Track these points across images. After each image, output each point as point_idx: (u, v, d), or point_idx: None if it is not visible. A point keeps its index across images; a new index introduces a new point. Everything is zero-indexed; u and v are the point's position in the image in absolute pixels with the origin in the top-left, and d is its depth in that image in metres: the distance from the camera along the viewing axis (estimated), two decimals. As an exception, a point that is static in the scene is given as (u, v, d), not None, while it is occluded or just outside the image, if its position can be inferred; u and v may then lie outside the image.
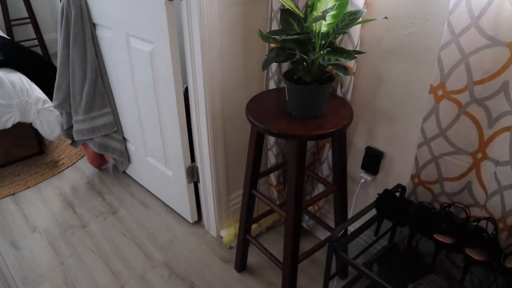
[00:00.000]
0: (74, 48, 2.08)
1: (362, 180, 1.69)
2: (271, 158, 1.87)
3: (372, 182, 1.70)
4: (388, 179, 1.64)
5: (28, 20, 4.05)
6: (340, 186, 1.57)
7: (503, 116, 1.22)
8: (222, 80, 1.66)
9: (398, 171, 1.59)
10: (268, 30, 1.65)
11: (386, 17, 1.27)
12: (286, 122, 1.32)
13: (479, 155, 1.30)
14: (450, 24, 1.17)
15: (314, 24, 1.18)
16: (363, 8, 1.35)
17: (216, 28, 1.54)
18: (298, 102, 1.32)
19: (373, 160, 1.64)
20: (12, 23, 3.97)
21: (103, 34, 2.04)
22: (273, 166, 1.80)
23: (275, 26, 1.58)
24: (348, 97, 1.52)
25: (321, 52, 1.17)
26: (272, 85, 1.71)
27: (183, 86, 1.78)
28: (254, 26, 1.65)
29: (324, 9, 1.17)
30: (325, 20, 1.10)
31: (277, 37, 1.25)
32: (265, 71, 1.76)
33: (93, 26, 2.08)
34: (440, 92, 1.27)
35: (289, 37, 1.17)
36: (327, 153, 1.70)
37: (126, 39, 1.86)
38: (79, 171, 2.63)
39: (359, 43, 1.43)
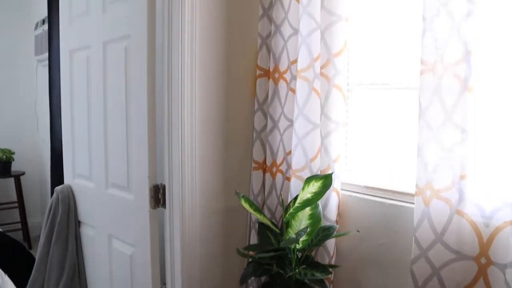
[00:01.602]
0: (56, 244, 2.08)
1: None
2: None
3: None
4: None
5: (16, 205, 4.12)
6: None
7: None
8: (201, 285, 1.64)
9: None
10: (247, 238, 1.71)
11: (358, 231, 1.35)
12: None
13: None
14: (417, 240, 1.23)
15: (289, 241, 1.24)
16: (336, 221, 1.44)
17: (197, 234, 1.59)
18: (277, 318, 1.29)
19: None
20: (0, 207, 4.03)
21: (86, 232, 2.08)
22: None
23: (254, 235, 1.64)
24: (328, 305, 1.50)
25: (297, 269, 1.20)
26: (251, 292, 1.69)
27: (161, 287, 1.74)
28: (234, 233, 1.71)
29: (298, 226, 1.25)
30: (298, 244, 1.16)
31: (254, 253, 1.29)
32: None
33: (78, 223, 2.12)
34: (418, 308, 1.26)
35: (266, 254, 1.21)
36: None
37: (108, 240, 1.89)
38: None
39: (334, 253, 1.48)
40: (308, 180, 1.23)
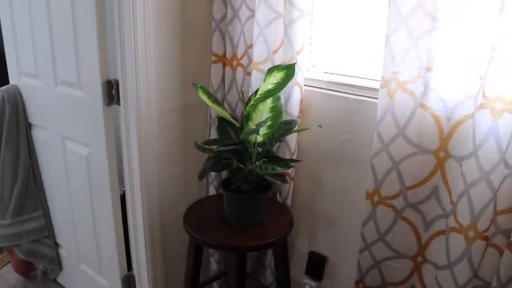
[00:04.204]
0: (6, 148, 1.98)
1: (307, 287, 1.63)
2: (213, 264, 1.78)
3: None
4: (334, 284, 1.59)
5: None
6: (284, 295, 1.50)
7: (437, 219, 1.25)
8: (160, 185, 1.61)
9: (343, 276, 1.56)
10: (207, 136, 1.66)
11: (320, 126, 1.32)
12: (225, 232, 1.28)
13: (419, 259, 1.30)
14: (379, 134, 1.22)
15: (249, 135, 1.19)
16: (298, 117, 1.40)
17: (155, 133, 1.52)
18: (237, 211, 1.29)
19: (317, 265, 1.60)
20: None
21: (38, 135, 1.97)
22: (215, 274, 1.70)
23: (214, 132, 1.59)
24: (289, 201, 1.51)
25: (257, 162, 1.16)
26: (212, 190, 1.68)
27: (120, 189, 1.71)
28: (194, 131, 1.65)
29: (259, 119, 1.20)
30: (258, 134, 1.11)
31: (214, 147, 1.25)
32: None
33: (29, 126, 2.01)
34: (376, 198, 1.28)
35: (225, 147, 1.16)
36: (270, 258, 1.64)
37: (62, 141, 1.80)
38: (2, 280, 2.37)
39: (296, 149, 1.46)
40: (270, 71, 1.16)
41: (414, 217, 1.27)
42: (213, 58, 1.52)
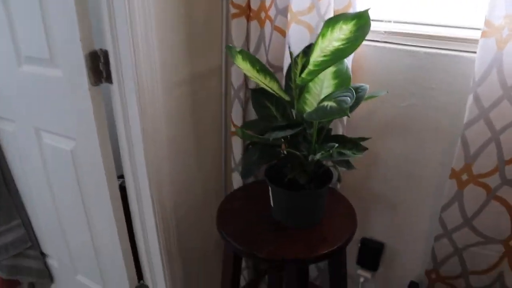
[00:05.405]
0: (-36, 148, 1.59)
1: (362, 279, 1.38)
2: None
3: (373, 279, 1.39)
4: (393, 274, 1.35)
5: None
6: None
7: (539, 196, 1.00)
8: (170, 171, 1.29)
9: (404, 265, 1.32)
10: (222, 112, 1.32)
11: (387, 91, 1.01)
12: (275, 237, 0.98)
13: (512, 243, 1.06)
14: (477, 97, 0.92)
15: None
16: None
17: (161, 113, 1.18)
18: (292, 211, 0.99)
19: (371, 254, 1.34)
20: None
21: (3, 128, 1.58)
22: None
23: (237, 108, 1.24)
24: (337, 184, 1.23)
25: (331, 150, 0.85)
26: (236, 179, 1.35)
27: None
28: (206, 107, 1.31)
29: (319, 90, 0.88)
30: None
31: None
32: (223, 157, 1.41)
33: (-11, 117, 1.61)
34: (464, 177, 1.02)
35: (281, 133, 0.84)
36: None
37: (36, 134, 1.42)
38: (-18, 296, 2.03)
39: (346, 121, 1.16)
40: (333, 23, 0.81)
41: (511, 195, 1.01)
42: (233, 10, 1.14)
